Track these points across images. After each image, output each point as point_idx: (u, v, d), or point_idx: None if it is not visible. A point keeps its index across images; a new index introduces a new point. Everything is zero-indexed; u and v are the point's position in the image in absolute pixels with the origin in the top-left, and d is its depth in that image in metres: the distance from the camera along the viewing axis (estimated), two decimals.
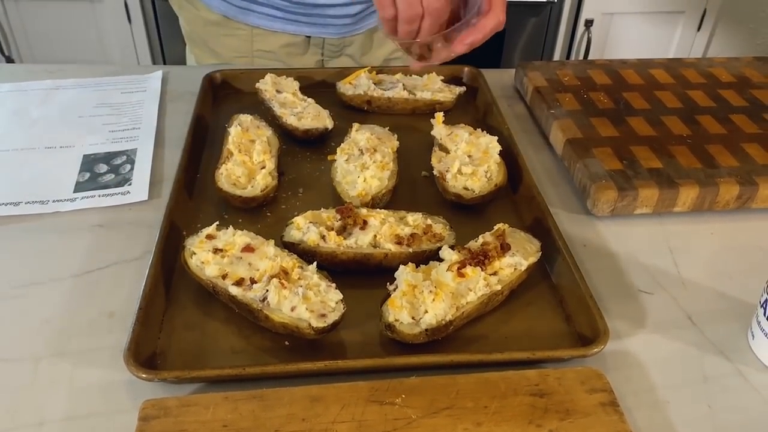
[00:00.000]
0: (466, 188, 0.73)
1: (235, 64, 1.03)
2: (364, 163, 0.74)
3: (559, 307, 0.62)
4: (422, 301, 0.57)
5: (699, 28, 2.11)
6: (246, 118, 0.82)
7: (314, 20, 1.01)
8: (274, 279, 0.57)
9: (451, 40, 0.72)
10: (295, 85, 0.90)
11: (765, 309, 0.57)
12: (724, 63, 1.00)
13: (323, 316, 0.56)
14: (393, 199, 0.74)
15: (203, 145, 0.83)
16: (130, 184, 0.77)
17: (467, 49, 0.72)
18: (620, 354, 0.58)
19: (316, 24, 1.01)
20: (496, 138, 0.78)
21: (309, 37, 1.04)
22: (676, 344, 0.60)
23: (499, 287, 0.59)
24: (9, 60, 1.99)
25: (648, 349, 0.59)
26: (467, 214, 0.73)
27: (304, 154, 0.83)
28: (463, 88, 0.92)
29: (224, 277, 0.59)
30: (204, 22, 1.02)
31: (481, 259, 0.61)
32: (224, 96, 0.93)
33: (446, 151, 0.79)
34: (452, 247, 0.63)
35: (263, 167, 0.74)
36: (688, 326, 0.62)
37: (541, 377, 0.53)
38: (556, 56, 2.12)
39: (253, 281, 0.58)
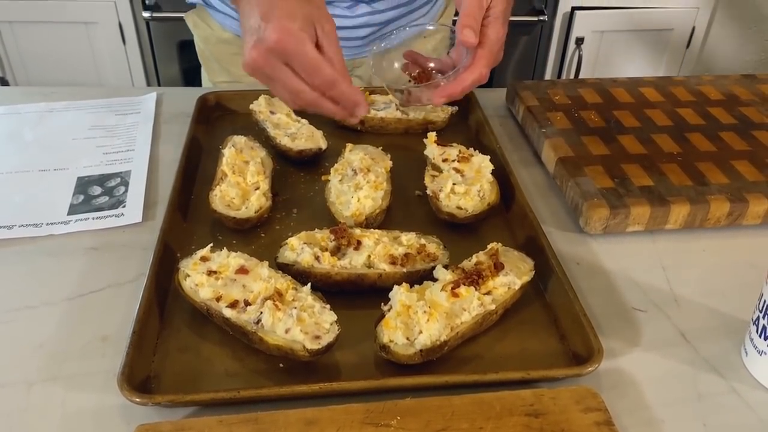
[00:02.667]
0: (459, 207, 0.73)
1: (245, 83, 1.04)
2: (357, 183, 0.74)
3: (553, 326, 0.63)
4: (417, 322, 0.57)
5: (688, 46, 2.14)
6: (240, 140, 0.82)
7: None
8: (268, 301, 0.57)
9: (438, 86, 0.74)
10: None
11: (758, 326, 0.57)
12: (712, 81, 1.01)
13: (318, 337, 0.55)
14: (387, 219, 0.75)
15: (197, 166, 0.83)
16: (124, 207, 0.77)
17: (445, 101, 0.75)
18: (615, 372, 0.59)
19: None
20: (489, 157, 0.79)
21: None
22: (670, 362, 0.60)
23: (493, 307, 0.60)
24: (3, 82, 1.99)
25: (642, 368, 0.59)
26: (461, 232, 0.73)
27: (298, 174, 0.83)
28: (455, 108, 0.93)
29: (218, 299, 0.59)
30: (217, 40, 1.04)
31: (474, 278, 0.61)
32: (218, 117, 0.94)
33: (439, 170, 0.79)
34: (446, 267, 0.63)
35: (257, 188, 0.75)
36: (681, 344, 0.62)
37: (535, 397, 0.53)
38: (548, 74, 2.14)
39: (247, 303, 0.58)
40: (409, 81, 0.80)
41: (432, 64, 0.81)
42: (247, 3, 0.65)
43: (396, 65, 0.83)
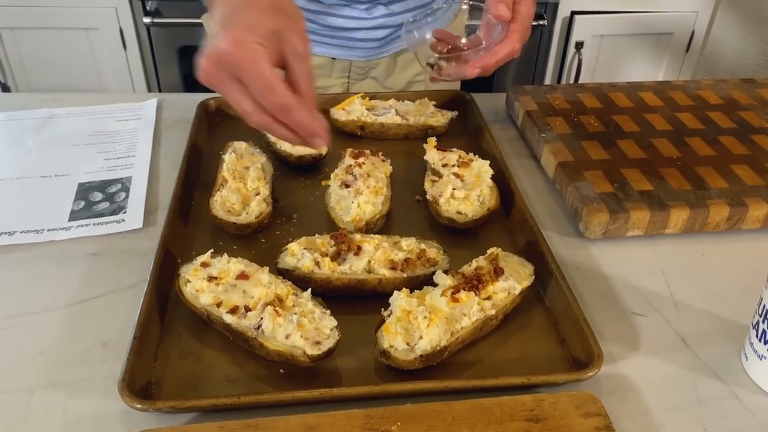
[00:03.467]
0: (459, 212, 0.73)
1: None
2: (357, 189, 0.74)
3: (553, 331, 0.63)
4: (417, 327, 0.57)
5: (687, 50, 2.14)
6: (240, 145, 0.83)
7: (341, 42, 1.03)
8: (269, 306, 0.57)
9: (467, 62, 0.75)
10: None
11: (757, 330, 0.57)
12: (711, 85, 1.02)
13: (318, 343, 0.56)
14: (387, 224, 0.75)
15: (198, 172, 0.83)
16: (124, 212, 0.77)
17: (479, 73, 0.74)
18: (615, 377, 0.59)
19: (342, 47, 1.03)
20: (488, 162, 0.79)
21: (335, 59, 1.06)
22: (670, 367, 0.60)
23: (493, 312, 0.60)
24: (5, 87, 2.00)
25: (642, 372, 0.59)
26: (460, 237, 0.73)
27: (298, 180, 0.83)
28: (455, 113, 0.93)
29: (219, 305, 0.59)
30: None
31: (474, 283, 0.61)
32: (218, 123, 0.94)
33: (439, 175, 0.79)
34: (446, 272, 0.63)
35: (257, 194, 0.75)
36: (681, 348, 0.62)
37: (536, 402, 0.53)
38: (548, 78, 2.15)
39: (247, 309, 0.58)
40: (438, 58, 0.79)
41: (464, 40, 0.82)
42: (217, 6, 0.59)
43: (426, 41, 0.83)
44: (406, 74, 1.11)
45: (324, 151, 0.69)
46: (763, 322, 0.56)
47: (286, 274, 0.64)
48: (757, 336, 0.57)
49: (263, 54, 0.55)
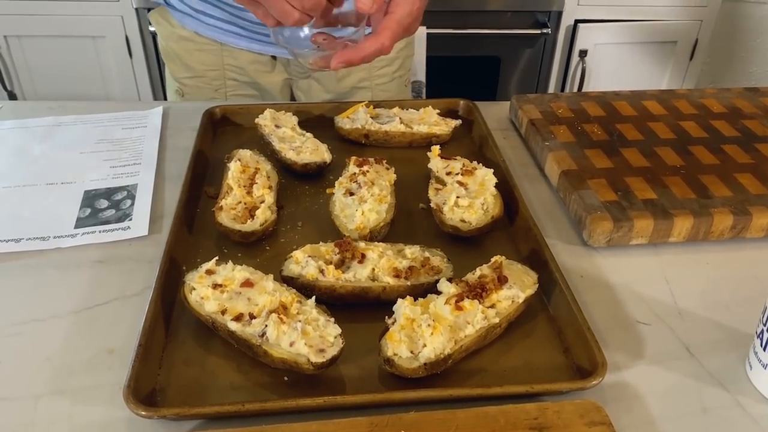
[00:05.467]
0: (463, 220, 0.73)
1: (207, 77, 1.08)
2: (362, 197, 0.75)
3: (557, 339, 0.63)
4: (421, 335, 0.57)
5: (691, 58, 2.15)
6: (245, 153, 0.83)
7: None
8: (273, 314, 0.58)
9: (333, 53, 0.72)
10: (294, 119, 0.91)
11: (762, 339, 0.57)
12: (715, 94, 1.02)
13: (322, 351, 0.56)
14: (391, 232, 0.75)
15: (203, 180, 0.84)
16: (130, 220, 0.77)
17: (343, 66, 0.72)
18: (619, 386, 0.59)
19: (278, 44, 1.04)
20: (492, 170, 0.79)
21: (275, 57, 1.08)
22: (674, 375, 0.60)
23: (497, 320, 0.60)
24: (11, 95, 2.01)
25: (646, 381, 0.59)
26: (464, 246, 0.74)
27: (302, 187, 0.84)
28: (458, 121, 0.94)
29: (223, 312, 0.59)
30: (178, 38, 1.08)
31: (478, 292, 0.61)
32: (224, 131, 0.95)
33: (443, 183, 0.80)
34: (450, 280, 0.63)
35: (262, 201, 0.75)
36: (685, 357, 0.62)
37: (539, 410, 0.53)
38: (552, 86, 2.15)
39: (252, 316, 0.58)
40: (317, 48, 0.76)
41: (340, 33, 0.77)
42: None
43: (304, 33, 0.78)
44: (349, 80, 1.13)
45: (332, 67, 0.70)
46: None
47: (290, 281, 0.64)
48: (761, 345, 0.57)
49: None
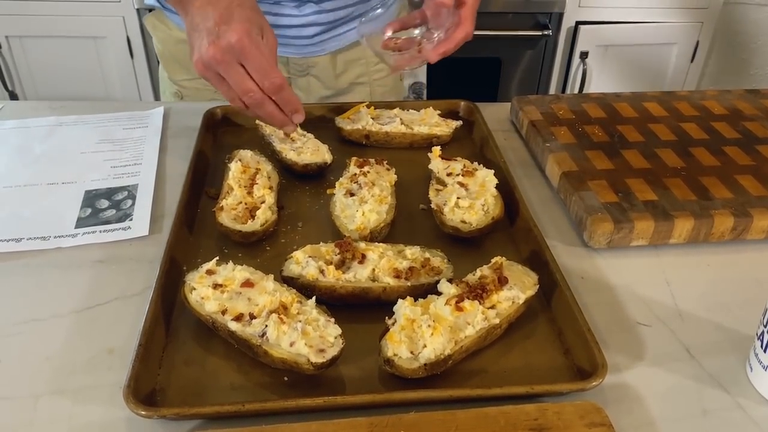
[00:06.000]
0: (463, 221, 0.73)
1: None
2: (362, 197, 0.75)
3: (557, 340, 0.63)
4: (421, 336, 0.57)
5: (692, 59, 2.15)
6: (246, 154, 0.83)
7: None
8: (273, 314, 0.58)
9: (423, 50, 0.82)
10: None
11: (762, 341, 0.57)
12: (716, 96, 1.02)
13: (322, 351, 0.56)
14: (391, 233, 0.75)
15: (204, 180, 0.84)
16: (131, 220, 0.77)
17: (439, 58, 0.83)
18: (619, 387, 0.58)
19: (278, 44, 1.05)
20: (493, 171, 0.79)
21: None
22: (674, 377, 0.60)
23: (497, 321, 0.60)
24: (13, 95, 2.01)
25: (647, 383, 0.59)
26: (465, 247, 0.74)
27: (303, 188, 0.84)
28: (459, 122, 0.94)
29: (224, 312, 0.59)
30: (176, 41, 1.08)
31: (479, 292, 0.61)
32: (225, 131, 0.95)
33: (443, 184, 0.80)
34: (450, 281, 0.63)
35: (263, 202, 0.75)
36: (686, 359, 0.62)
37: (540, 411, 0.53)
38: (552, 88, 2.15)
39: (252, 317, 0.58)
40: (393, 52, 0.86)
41: (416, 31, 0.87)
42: (201, 7, 0.72)
43: (380, 36, 0.88)
44: (347, 76, 1.13)
45: (292, 129, 0.78)
46: None
47: (290, 282, 0.64)
48: (762, 346, 0.57)
49: (261, 43, 0.70)
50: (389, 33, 0.86)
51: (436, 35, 0.82)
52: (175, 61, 1.11)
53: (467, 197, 0.75)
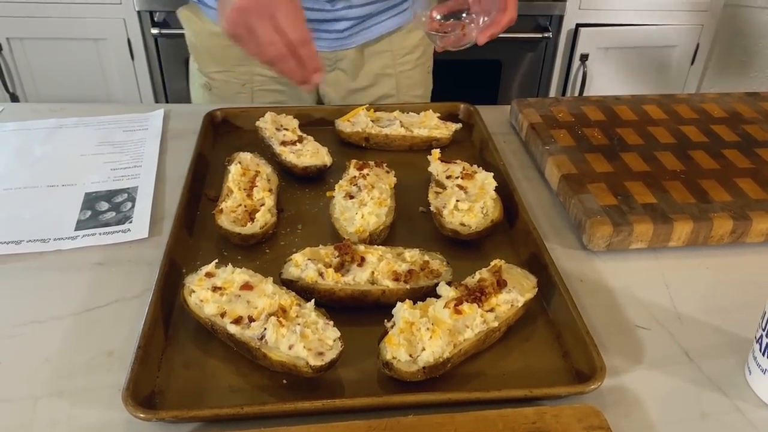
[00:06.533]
0: (462, 224, 0.74)
1: (235, 72, 1.10)
2: (362, 200, 0.75)
3: (556, 343, 0.63)
4: (420, 339, 0.57)
5: (692, 62, 2.15)
6: (246, 156, 0.83)
7: None
8: (272, 317, 0.58)
9: (470, 32, 0.89)
10: (295, 122, 0.92)
11: (761, 344, 0.57)
12: (715, 98, 1.02)
13: (321, 354, 0.56)
14: (390, 235, 0.75)
15: (203, 182, 0.84)
16: (130, 222, 0.77)
17: (487, 40, 0.89)
18: (618, 390, 0.59)
19: None
20: (492, 174, 0.79)
21: None
22: (673, 380, 0.60)
23: (496, 324, 0.60)
24: (13, 97, 2.01)
25: (645, 386, 0.59)
26: (464, 249, 0.74)
27: (303, 190, 0.84)
28: (459, 125, 0.94)
29: (223, 315, 0.59)
30: (208, 34, 1.10)
31: (477, 295, 0.61)
32: (224, 134, 0.95)
33: (443, 187, 0.80)
34: (449, 284, 0.63)
35: (262, 204, 0.75)
36: (685, 362, 0.62)
37: (538, 414, 0.53)
38: (553, 90, 2.15)
39: (251, 319, 0.58)
40: (438, 32, 0.92)
41: (463, 15, 0.93)
42: None
43: (428, 16, 0.93)
44: (373, 67, 1.14)
45: (310, 87, 0.80)
46: (767, 336, 0.56)
47: (289, 284, 0.64)
48: (760, 350, 0.57)
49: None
50: (437, 15, 0.90)
51: (481, 20, 0.88)
52: (207, 52, 1.13)
53: (466, 200, 0.75)
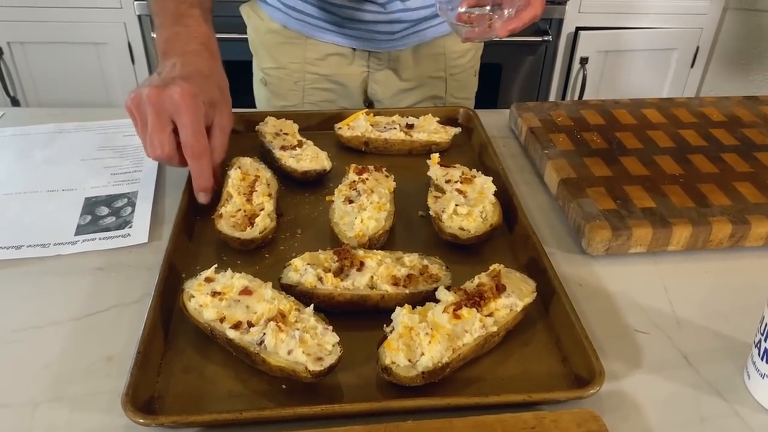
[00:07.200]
0: (461, 228, 0.74)
1: (289, 69, 1.15)
2: (361, 204, 0.75)
3: (555, 348, 0.63)
4: (419, 343, 0.57)
5: (692, 65, 2.15)
6: (245, 161, 0.83)
7: (361, 34, 1.10)
8: (271, 322, 0.58)
9: (494, 26, 0.89)
10: (294, 127, 0.92)
11: (759, 349, 0.57)
12: (714, 102, 1.02)
13: (320, 359, 0.56)
14: (390, 240, 0.75)
15: None
16: (130, 227, 0.78)
17: (508, 34, 0.89)
18: (616, 395, 0.59)
19: (362, 38, 1.10)
20: (491, 178, 0.79)
21: (355, 49, 1.12)
22: (672, 385, 0.60)
23: (495, 329, 0.60)
24: (14, 101, 2.02)
25: (644, 390, 0.59)
26: (463, 254, 0.74)
27: (302, 195, 0.84)
28: (458, 129, 0.94)
29: (222, 320, 0.59)
30: (266, 30, 1.14)
31: (476, 300, 0.61)
32: None
33: (442, 191, 0.80)
34: (448, 288, 0.63)
35: (262, 209, 0.75)
36: (683, 366, 0.62)
37: (537, 419, 0.53)
38: (553, 94, 2.16)
39: (250, 324, 0.59)
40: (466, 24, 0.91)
41: (488, 8, 0.92)
42: (176, 55, 0.76)
43: (458, 9, 0.93)
44: (423, 68, 1.16)
45: (201, 198, 0.77)
46: (765, 340, 0.56)
47: (289, 289, 0.65)
48: (759, 354, 0.57)
49: (203, 112, 0.72)
50: (463, 8, 0.90)
51: (506, 13, 0.88)
52: (264, 49, 1.16)
53: (466, 204, 0.76)
